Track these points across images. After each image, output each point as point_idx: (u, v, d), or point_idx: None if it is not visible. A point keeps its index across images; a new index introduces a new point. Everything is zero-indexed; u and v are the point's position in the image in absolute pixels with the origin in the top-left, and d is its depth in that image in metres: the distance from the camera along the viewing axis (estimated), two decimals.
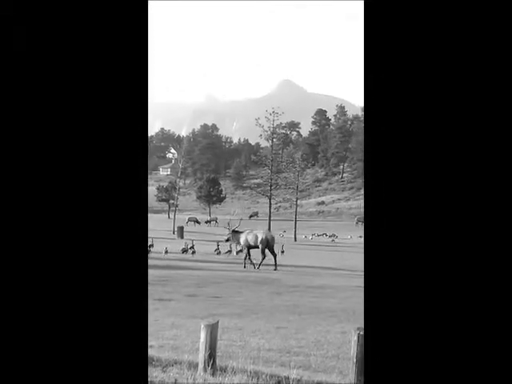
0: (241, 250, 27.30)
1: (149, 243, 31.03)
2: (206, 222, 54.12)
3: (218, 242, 31.05)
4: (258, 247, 24.49)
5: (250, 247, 24.69)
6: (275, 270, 23.45)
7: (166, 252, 29.44)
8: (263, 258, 24.23)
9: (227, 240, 26.44)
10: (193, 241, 31.70)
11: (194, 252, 29.81)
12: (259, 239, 24.32)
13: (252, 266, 24.04)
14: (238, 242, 25.60)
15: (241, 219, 30.43)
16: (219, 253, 30.37)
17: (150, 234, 35.03)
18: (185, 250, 30.27)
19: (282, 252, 29.44)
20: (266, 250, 24.41)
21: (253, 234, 24.95)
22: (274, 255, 24.30)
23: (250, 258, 24.37)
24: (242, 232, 25.45)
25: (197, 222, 67.77)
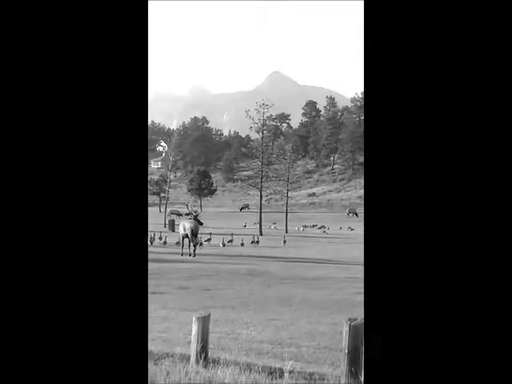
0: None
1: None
2: (187, 215, 53.21)
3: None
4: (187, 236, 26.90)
5: (183, 236, 27.24)
6: (194, 256, 25.40)
7: (165, 243, 32.24)
8: (190, 245, 26.39)
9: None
10: (210, 234, 34.58)
11: (209, 239, 33.29)
12: (186, 228, 26.64)
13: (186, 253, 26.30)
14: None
15: (194, 209, 33.47)
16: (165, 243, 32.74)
17: None
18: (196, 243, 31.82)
19: (201, 244, 30.87)
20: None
21: (183, 224, 27.52)
22: (195, 243, 26.54)
23: (182, 246, 27.05)
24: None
25: (179, 214, 66.68)
